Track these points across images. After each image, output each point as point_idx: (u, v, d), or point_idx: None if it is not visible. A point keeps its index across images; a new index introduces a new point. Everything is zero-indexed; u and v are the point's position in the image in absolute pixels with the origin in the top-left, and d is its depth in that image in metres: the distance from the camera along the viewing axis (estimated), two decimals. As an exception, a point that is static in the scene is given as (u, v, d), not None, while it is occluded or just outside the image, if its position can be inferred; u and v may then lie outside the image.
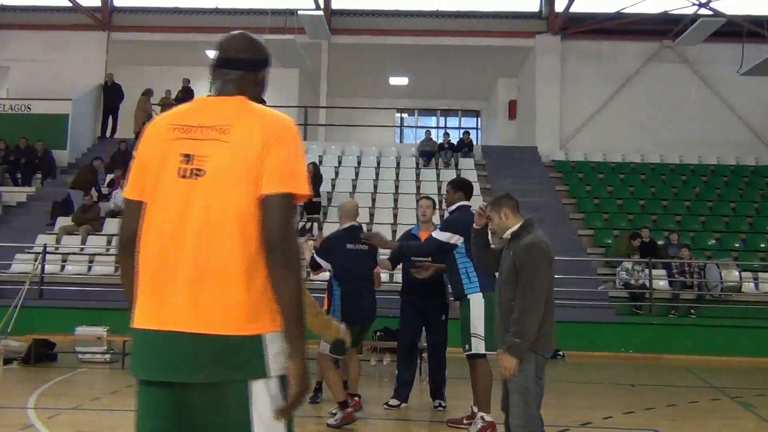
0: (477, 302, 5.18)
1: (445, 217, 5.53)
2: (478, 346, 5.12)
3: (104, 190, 14.50)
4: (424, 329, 6.28)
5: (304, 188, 1.89)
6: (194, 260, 1.82)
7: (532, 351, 3.56)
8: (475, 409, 5.41)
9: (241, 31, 2.13)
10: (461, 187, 5.60)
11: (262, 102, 2.07)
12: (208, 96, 2.08)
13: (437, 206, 6.50)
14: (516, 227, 3.78)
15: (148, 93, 16.97)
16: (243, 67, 2.06)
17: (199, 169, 1.86)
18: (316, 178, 13.35)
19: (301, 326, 1.84)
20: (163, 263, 1.84)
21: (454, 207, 5.53)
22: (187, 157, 1.88)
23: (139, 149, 1.99)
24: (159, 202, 1.89)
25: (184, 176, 1.87)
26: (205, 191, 1.84)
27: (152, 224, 1.89)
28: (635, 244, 12.33)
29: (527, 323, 3.50)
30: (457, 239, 5.26)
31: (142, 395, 1.93)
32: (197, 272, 1.81)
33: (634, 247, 12.29)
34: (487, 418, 5.16)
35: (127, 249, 1.98)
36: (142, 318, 1.89)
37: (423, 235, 6.00)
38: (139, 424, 1.95)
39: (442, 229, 5.34)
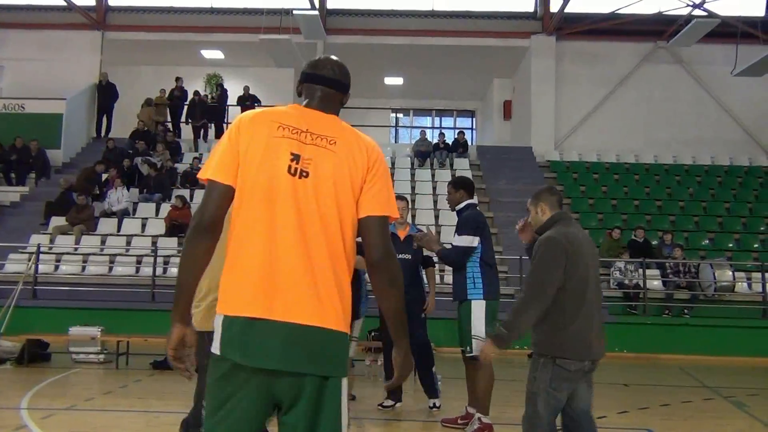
0: (479, 306, 5.16)
1: (458, 219, 5.40)
2: (479, 348, 5.11)
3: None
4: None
5: (396, 212, 2.11)
6: (310, 257, 1.93)
7: (548, 357, 3.28)
8: (471, 410, 5.41)
9: (335, 57, 2.28)
10: (462, 185, 5.53)
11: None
12: (307, 107, 2.16)
13: (410, 205, 6.42)
14: (543, 223, 3.52)
15: (149, 102, 17.04)
16: (341, 89, 2.21)
17: (305, 171, 1.98)
18: None
19: (406, 331, 2.12)
20: (278, 255, 1.93)
21: (462, 206, 5.43)
22: (296, 157, 1.99)
23: (236, 138, 2.02)
24: (264, 194, 1.96)
25: (293, 174, 1.98)
26: (314, 192, 1.97)
27: (259, 215, 1.96)
28: (615, 236, 12.42)
29: (521, 315, 3.28)
30: (477, 241, 5.22)
31: (236, 380, 1.93)
32: (314, 268, 1.93)
33: (620, 244, 12.39)
34: (485, 419, 5.16)
35: (209, 232, 1.99)
36: (250, 307, 1.92)
37: (401, 234, 6.00)
38: (227, 408, 1.94)
39: (461, 233, 5.23)
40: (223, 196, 1.99)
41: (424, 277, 6.29)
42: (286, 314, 1.90)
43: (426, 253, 6.14)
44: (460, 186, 5.52)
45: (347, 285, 2.00)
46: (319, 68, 2.20)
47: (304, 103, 2.17)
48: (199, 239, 1.99)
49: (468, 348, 5.15)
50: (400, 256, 5.55)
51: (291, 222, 1.94)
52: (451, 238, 5.50)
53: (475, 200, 5.56)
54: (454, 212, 5.53)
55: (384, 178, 2.08)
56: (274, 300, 1.91)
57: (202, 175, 2.05)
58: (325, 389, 1.93)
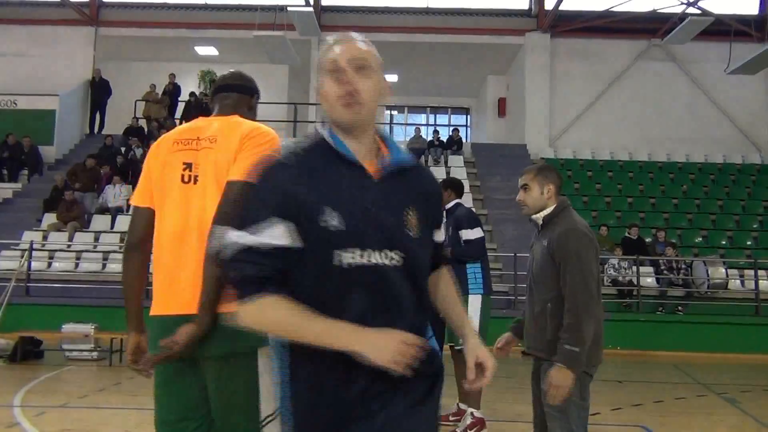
0: (475, 301, 5.19)
1: (453, 217, 5.41)
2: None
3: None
4: None
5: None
6: (185, 254, 2.14)
7: None
8: (463, 406, 5.42)
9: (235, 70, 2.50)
10: (451, 185, 5.58)
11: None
12: (213, 116, 2.38)
13: None
14: (549, 210, 3.02)
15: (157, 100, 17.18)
16: (239, 90, 2.41)
17: (196, 175, 2.19)
18: None
19: (214, 309, 2.09)
20: (176, 259, 2.16)
21: (451, 205, 5.47)
22: (188, 165, 2.20)
23: (148, 164, 2.30)
24: (163, 206, 2.21)
25: (186, 182, 2.19)
26: (203, 193, 2.16)
27: (160, 225, 2.22)
28: (602, 233, 12.56)
29: (585, 325, 2.75)
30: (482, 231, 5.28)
31: (163, 372, 2.23)
32: (191, 265, 2.13)
33: (608, 241, 12.46)
34: (477, 414, 5.17)
35: (136, 251, 2.30)
36: (157, 308, 2.23)
37: None
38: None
39: (470, 227, 5.26)
40: (143, 218, 2.28)
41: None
42: (176, 308, 2.15)
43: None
44: (448, 186, 5.57)
45: None
46: (220, 80, 2.46)
47: (212, 112, 2.40)
48: (130, 257, 2.32)
49: (461, 341, 5.14)
50: None
51: (180, 225, 2.16)
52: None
53: (462, 201, 5.57)
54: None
55: (257, 147, 2.15)
56: (167, 296, 2.18)
57: (131, 201, 2.37)
58: (209, 370, 2.14)
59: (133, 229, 2.31)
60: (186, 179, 2.19)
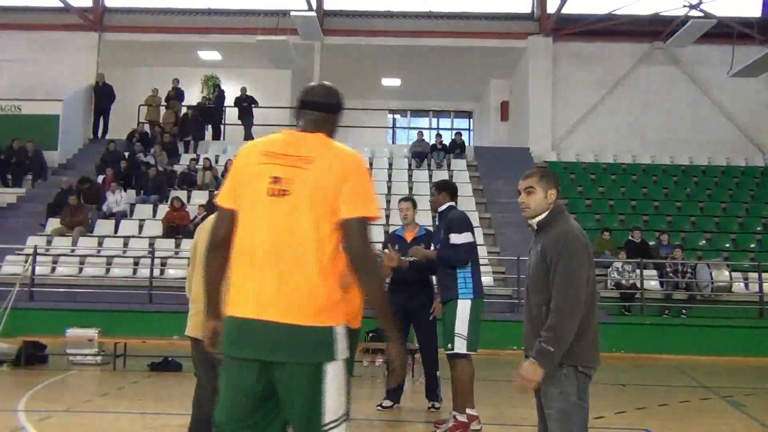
0: (465, 305, 5.18)
1: (446, 220, 5.38)
2: (461, 346, 5.12)
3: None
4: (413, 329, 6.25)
5: (375, 212, 2.35)
6: (279, 264, 2.26)
7: (571, 366, 2.88)
8: (470, 412, 5.41)
9: (325, 83, 2.58)
10: (445, 188, 5.54)
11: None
12: (297, 131, 2.47)
13: (417, 206, 6.35)
14: (544, 215, 3.04)
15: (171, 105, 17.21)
16: (325, 109, 2.48)
17: (284, 190, 2.30)
18: None
19: (390, 317, 2.37)
20: (256, 264, 2.28)
21: (444, 207, 5.45)
22: (276, 180, 2.31)
23: (234, 168, 2.44)
24: (249, 214, 2.34)
25: (272, 195, 2.30)
26: (291, 209, 2.28)
27: (245, 231, 2.34)
28: (605, 237, 12.52)
29: (565, 327, 2.79)
30: (471, 237, 5.25)
31: (233, 371, 2.32)
32: (282, 273, 2.26)
33: (610, 244, 12.45)
34: (460, 417, 5.17)
35: (220, 249, 2.42)
36: (238, 308, 2.31)
37: (408, 236, 6.01)
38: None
39: (459, 231, 5.22)
40: (226, 218, 2.42)
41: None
42: (256, 312, 2.25)
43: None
44: (443, 188, 5.54)
45: (325, 282, 2.27)
46: (307, 94, 2.51)
47: (297, 129, 2.48)
48: (213, 255, 2.46)
49: (450, 345, 5.16)
50: (410, 258, 5.51)
51: (266, 236, 2.28)
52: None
53: (455, 204, 5.55)
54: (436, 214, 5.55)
55: (361, 183, 2.34)
56: (248, 300, 2.27)
57: (216, 200, 2.49)
58: (285, 376, 2.24)
59: (217, 228, 2.45)
60: (272, 192, 2.30)
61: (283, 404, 2.29)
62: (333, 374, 2.28)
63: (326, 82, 2.59)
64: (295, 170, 2.31)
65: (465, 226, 5.28)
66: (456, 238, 5.22)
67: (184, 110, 17.40)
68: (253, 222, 2.32)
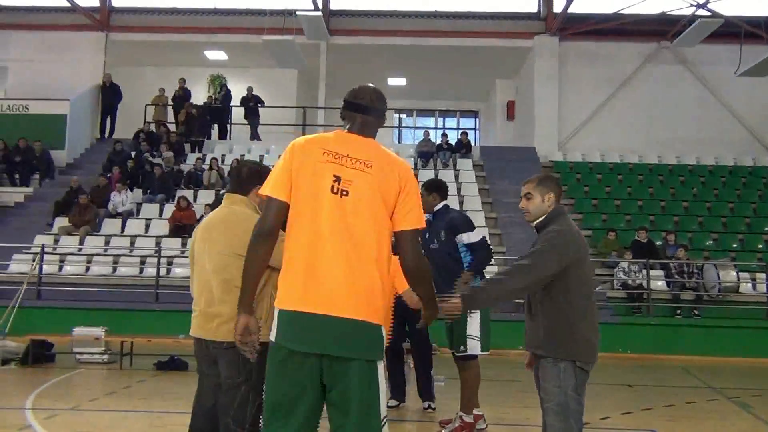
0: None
1: (449, 221, 5.29)
2: (474, 348, 5.10)
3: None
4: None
5: (423, 222, 2.51)
6: (348, 260, 2.33)
7: (569, 361, 2.99)
8: (477, 412, 5.41)
9: (372, 86, 2.66)
10: (435, 188, 5.44)
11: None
12: (348, 132, 2.56)
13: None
14: (543, 218, 3.17)
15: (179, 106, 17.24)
16: (377, 115, 2.60)
17: (345, 190, 2.39)
18: None
19: (435, 298, 2.66)
20: (320, 259, 2.34)
21: (440, 207, 5.37)
22: (338, 179, 2.40)
23: (290, 161, 2.47)
24: (311, 210, 2.39)
25: (335, 193, 2.38)
26: (353, 208, 2.37)
27: (307, 227, 2.39)
28: (610, 237, 12.51)
29: (507, 282, 2.98)
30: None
31: (288, 362, 2.37)
32: (351, 270, 2.35)
33: (616, 245, 12.41)
34: (466, 418, 5.16)
35: (268, 238, 2.45)
36: (297, 302, 2.37)
37: None
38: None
39: (469, 230, 5.20)
40: (278, 209, 2.45)
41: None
42: (324, 308, 2.31)
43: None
44: (433, 189, 5.42)
45: (382, 283, 2.39)
46: (358, 97, 2.58)
47: (347, 128, 2.56)
48: (260, 244, 2.45)
49: (462, 347, 5.13)
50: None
51: (332, 233, 2.35)
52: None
53: (448, 203, 5.50)
54: (430, 215, 5.40)
55: (415, 195, 2.49)
56: (315, 296, 2.33)
57: (262, 192, 2.51)
58: (352, 370, 2.32)
59: (267, 218, 2.46)
60: (335, 190, 2.39)
61: (338, 398, 2.33)
62: (382, 372, 2.40)
63: (372, 85, 2.66)
64: (357, 173, 2.41)
65: (472, 224, 5.29)
66: (472, 237, 5.17)
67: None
68: (317, 219, 2.37)
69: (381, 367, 2.39)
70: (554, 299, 3.03)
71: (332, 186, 2.38)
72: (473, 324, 5.10)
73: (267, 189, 2.48)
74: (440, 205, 5.40)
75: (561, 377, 2.96)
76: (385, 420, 2.38)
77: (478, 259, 5.18)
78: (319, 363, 2.33)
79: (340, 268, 2.33)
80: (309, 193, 2.39)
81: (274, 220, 2.45)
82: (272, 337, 2.40)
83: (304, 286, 2.34)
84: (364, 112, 2.55)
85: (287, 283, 2.39)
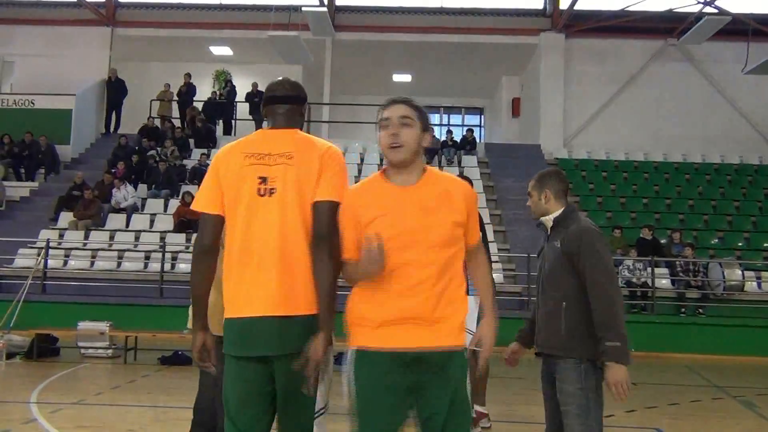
0: (473, 302, 5.13)
1: None
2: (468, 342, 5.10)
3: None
4: None
5: (338, 197, 2.38)
6: (281, 258, 2.32)
7: (590, 361, 2.90)
8: (479, 409, 5.41)
9: (285, 77, 2.65)
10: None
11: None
12: (270, 128, 2.54)
13: None
14: (558, 213, 3.12)
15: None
16: (296, 101, 2.57)
17: (272, 188, 2.36)
18: None
19: (332, 308, 2.31)
20: (253, 263, 2.34)
21: None
22: (264, 179, 2.37)
23: (216, 173, 2.44)
24: (242, 216, 2.37)
25: (262, 195, 2.36)
26: (281, 205, 2.35)
27: (239, 233, 2.37)
28: (616, 234, 12.48)
29: (619, 318, 2.80)
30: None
31: (236, 367, 2.37)
32: (283, 268, 2.33)
33: (621, 242, 12.38)
34: (481, 409, 5.18)
35: (206, 255, 2.43)
36: (234, 310, 2.38)
37: None
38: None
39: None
40: (213, 223, 2.42)
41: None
42: (269, 310, 2.30)
43: None
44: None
45: (321, 277, 2.33)
46: (272, 90, 2.56)
47: (269, 125, 2.54)
48: (201, 260, 2.43)
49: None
50: None
51: (262, 233, 2.34)
52: None
53: None
54: None
55: (334, 170, 2.40)
56: (249, 301, 2.33)
57: (194, 207, 2.49)
58: (280, 367, 2.30)
59: (204, 234, 2.44)
60: (262, 192, 2.36)
61: (283, 393, 2.35)
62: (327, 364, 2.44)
63: (286, 77, 2.66)
64: (279, 168, 2.38)
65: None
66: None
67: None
68: (248, 224, 2.35)
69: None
70: (578, 299, 2.93)
71: (258, 189, 2.37)
72: (470, 319, 5.09)
73: (198, 205, 2.44)
74: None
75: (583, 379, 2.89)
76: (321, 412, 2.48)
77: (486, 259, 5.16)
78: (267, 363, 2.33)
79: (277, 270, 2.32)
80: (236, 200, 2.38)
81: (211, 236, 2.42)
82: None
83: (244, 293, 2.35)
84: (281, 101, 2.53)
85: (231, 293, 2.38)
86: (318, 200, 2.36)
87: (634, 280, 11.83)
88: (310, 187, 2.36)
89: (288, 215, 2.34)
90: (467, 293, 5.23)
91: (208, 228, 2.43)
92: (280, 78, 2.63)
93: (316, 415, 2.39)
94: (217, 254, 2.43)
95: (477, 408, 5.22)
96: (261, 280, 2.32)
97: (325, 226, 2.34)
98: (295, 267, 2.33)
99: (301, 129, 2.55)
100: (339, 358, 8.19)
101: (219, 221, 2.42)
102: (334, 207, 2.36)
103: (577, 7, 16.70)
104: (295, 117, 2.55)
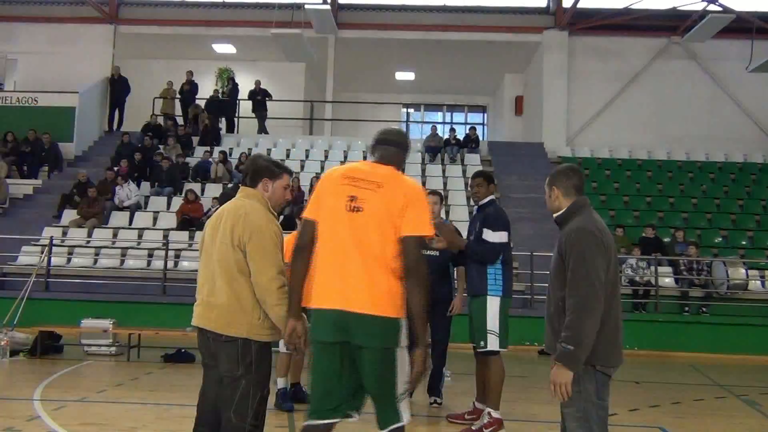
0: (494, 302, 5.11)
1: (484, 214, 5.23)
2: (494, 343, 5.07)
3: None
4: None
5: (430, 231, 2.92)
6: (363, 263, 2.80)
7: (590, 365, 2.84)
8: (479, 406, 5.40)
9: (394, 128, 3.31)
10: (492, 180, 5.43)
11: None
12: (372, 161, 3.08)
13: (444, 201, 6.22)
14: (562, 211, 3.08)
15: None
16: (396, 146, 3.10)
17: (358, 207, 2.87)
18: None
19: (425, 325, 2.84)
20: (340, 264, 2.83)
21: (486, 201, 5.32)
22: (353, 198, 2.88)
23: (319, 189, 3.01)
24: (331, 225, 2.90)
25: (350, 210, 2.87)
26: (365, 222, 2.84)
27: (329, 239, 2.89)
28: (618, 233, 12.50)
29: (584, 325, 2.75)
30: (507, 237, 5.15)
31: (324, 354, 2.86)
32: (365, 272, 2.81)
33: (625, 241, 12.36)
34: (495, 414, 5.13)
35: (303, 252, 2.95)
36: (321, 301, 2.86)
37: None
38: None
39: (495, 229, 5.09)
40: (310, 227, 2.97)
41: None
42: (348, 304, 2.77)
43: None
44: (491, 180, 5.41)
45: (390, 283, 2.81)
46: (381, 134, 3.14)
47: (373, 159, 3.09)
48: (297, 257, 2.96)
49: (482, 343, 5.10)
50: (429, 252, 5.28)
51: (347, 241, 2.83)
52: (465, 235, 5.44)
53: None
54: (477, 206, 5.38)
55: (420, 208, 2.89)
56: (343, 296, 2.79)
57: (303, 215, 3.05)
58: (366, 356, 2.79)
59: (303, 235, 2.99)
60: (350, 208, 2.87)
61: (365, 380, 2.82)
62: (401, 358, 2.82)
63: (397, 128, 3.36)
64: (368, 192, 2.88)
65: (502, 224, 5.14)
66: (490, 236, 5.09)
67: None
68: (336, 232, 2.87)
69: (399, 354, 2.82)
70: None
71: (347, 204, 2.86)
72: (494, 319, 5.07)
73: (303, 212, 3.06)
74: (487, 199, 5.34)
75: (581, 381, 2.84)
76: (403, 397, 2.84)
77: (479, 250, 5.13)
78: (347, 350, 2.80)
79: (353, 269, 2.80)
80: (330, 212, 2.91)
81: (308, 236, 2.96)
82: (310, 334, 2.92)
83: (327, 287, 2.84)
84: (386, 144, 3.09)
85: (317, 287, 2.87)
86: (406, 235, 2.82)
87: (637, 278, 11.81)
88: (391, 215, 2.84)
89: (370, 232, 2.82)
90: (489, 293, 5.20)
91: (305, 230, 2.99)
92: (390, 128, 3.25)
93: (404, 397, 2.86)
94: (312, 250, 2.93)
95: (492, 412, 5.18)
96: (343, 278, 2.80)
97: (413, 259, 2.80)
98: (373, 274, 2.79)
99: (400, 170, 3.03)
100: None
101: (314, 225, 2.95)
102: (419, 241, 2.86)
103: (580, 4, 16.69)
104: (395, 159, 3.05)
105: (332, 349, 2.81)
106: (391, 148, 3.07)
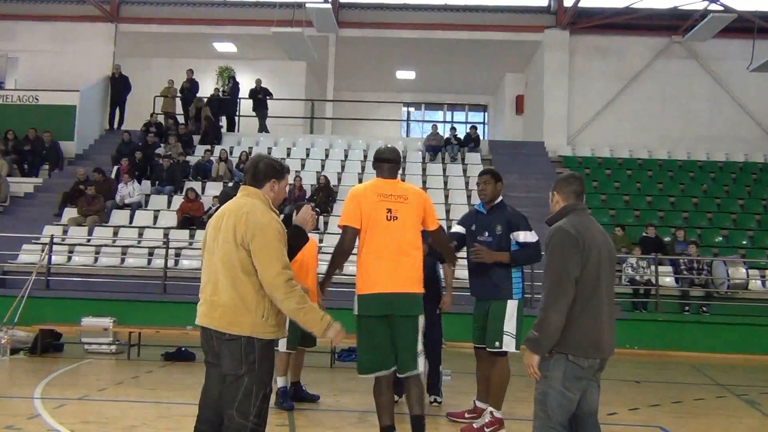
0: (514, 305, 5.11)
1: (511, 216, 5.21)
2: (510, 344, 5.07)
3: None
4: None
5: (437, 224, 4.40)
6: (402, 257, 4.13)
7: (561, 353, 3.08)
8: (480, 405, 5.40)
9: (389, 146, 4.47)
10: (501, 178, 5.42)
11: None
12: (384, 178, 4.33)
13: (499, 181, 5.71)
14: (553, 214, 3.35)
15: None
16: (395, 162, 4.39)
17: (395, 216, 4.15)
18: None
19: (454, 254, 5.00)
20: (389, 259, 4.10)
21: (498, 202, 5.34)
22: (390, 210, 4.16)
23: (359, 202, 4.17)
24: (377, 231, 4.12)
25: (389, 219, 4.14)
26: (401, 227, 4.16)
27: (377, 241, 4.11)
28: (618, 233, 12.44)
29: (548, 314, 3.03)
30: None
31: (375, 325, 4.14)
32: (403, 263, 4.13)
33: (625, 240, 12.33)
34: (497, 414, 5.13)
35: (347, 253, 4.19)
36: (379, 287, 4.11)
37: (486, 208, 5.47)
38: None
39: (528, 229, 5.16)
40: (353, 234, 4.14)
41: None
42: (396, 288, 4.08)
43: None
44: (498, 178, 5.39)
45: (419, 268, 4.18)
46: (382, 153, 4.38)
47: (380, 175, 4.33)
48: (340, 258, 4.22)
49: (497, 344, 5.07)
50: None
51: (391, 243, 4.10)
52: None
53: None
54: (488, 205, 5.33)
55: (432, 208, 4.35)
56: (390, 282, 4.07)
57: (340, 223, 4.18)
58: (406, 323, 4.13)
59: (345, 240, 4.16)
60: (389, 218, 4.12)
61: (401, 339, 4.09)
62: (421, 321, 4.20)
63: (391, 146, 4.45)
64: (399, 204, 4.17)
65: (527, 222, 5.23)
66: (528, 237, 5.14)
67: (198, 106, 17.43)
68: (380, 236, 4.09)
69: (421, 319, 4.18)
70: None
71: (386, 215, 4.12)
72: (511, 321, 5.07)
73: (344, 220, 4.14)
74: (499, 200, 5.36)
75: (549, 368, 3.10)
76: (422, 352, 4.22)
77: (527, 254, 5.15)
78: (389, 321, 4.10)
79: (400, 263, 4.08)
80: (374, 221, 4.10)
81: (350, 242, 4.14)
82: (356, 311, 4.15)
83: (379, 277, 4.07)
84: (389, 162, 4.34)
85: (371, 276, 4.09)
86: (434, 229, 4.35)
87: (638, 278, 11.81)
88: (418, 217, 4.22)
89: (406, 232, 4.14)
90: (510, 297, 5.16)
91: (348, 236, 4.14)
92: (386, 146, 4.41)
93: (422, 353, 4.22)
94: (350, 253, 4.18)
95: (494, 412, 5.17)
96: (395, 270, 4.05)
97: (445, 239, 4.64)
98: (411, 263, 4.12)
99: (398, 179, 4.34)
100: (342, 354, 8.23)
101: (356, 232, 4.12)
102: (441, 229, 4.45)
103: (581, 4, 16.67)
104: (395, 172, 4.33)
105: (381, 321, 4.08)
106: (395, 166, 4.33)
